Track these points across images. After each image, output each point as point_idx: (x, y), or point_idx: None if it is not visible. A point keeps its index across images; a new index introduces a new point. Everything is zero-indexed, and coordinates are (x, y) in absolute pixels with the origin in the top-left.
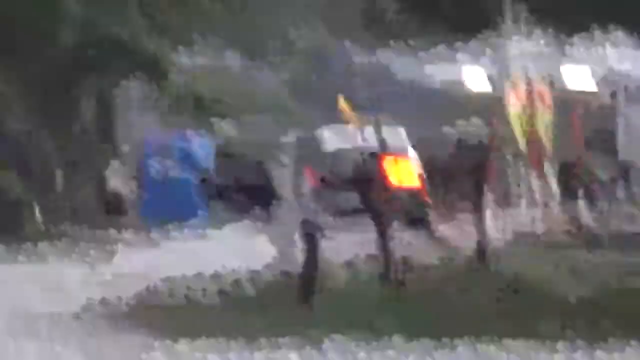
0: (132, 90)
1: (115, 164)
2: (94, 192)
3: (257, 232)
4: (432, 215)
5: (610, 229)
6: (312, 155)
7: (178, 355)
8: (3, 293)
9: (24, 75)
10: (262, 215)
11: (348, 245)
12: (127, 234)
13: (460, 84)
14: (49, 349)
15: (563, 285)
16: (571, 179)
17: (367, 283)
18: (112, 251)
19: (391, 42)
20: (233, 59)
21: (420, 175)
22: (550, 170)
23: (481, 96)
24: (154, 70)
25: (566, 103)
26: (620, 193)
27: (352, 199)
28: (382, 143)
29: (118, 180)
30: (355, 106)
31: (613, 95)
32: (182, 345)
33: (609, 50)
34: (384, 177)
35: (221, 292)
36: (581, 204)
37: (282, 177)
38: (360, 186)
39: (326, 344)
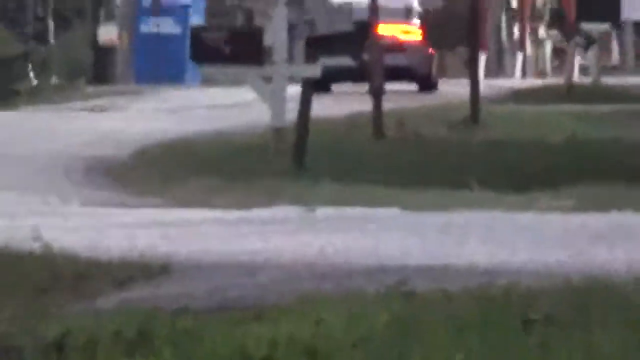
0: None
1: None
2: (86, 46)
3: (248, 89)
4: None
5: (595, 79)
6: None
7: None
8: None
9: None
10: (253, 72)
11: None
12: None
13: None
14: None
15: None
16: (563, 30)
17: (359, 137)
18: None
19: None
20: None
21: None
22: (544, 27)
23: None
24: None
25: None
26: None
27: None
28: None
29: (110, 35)
30: None
31: None
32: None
33: None
34: (377, 37)
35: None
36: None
37: (274, 36)
38: (354, 44)
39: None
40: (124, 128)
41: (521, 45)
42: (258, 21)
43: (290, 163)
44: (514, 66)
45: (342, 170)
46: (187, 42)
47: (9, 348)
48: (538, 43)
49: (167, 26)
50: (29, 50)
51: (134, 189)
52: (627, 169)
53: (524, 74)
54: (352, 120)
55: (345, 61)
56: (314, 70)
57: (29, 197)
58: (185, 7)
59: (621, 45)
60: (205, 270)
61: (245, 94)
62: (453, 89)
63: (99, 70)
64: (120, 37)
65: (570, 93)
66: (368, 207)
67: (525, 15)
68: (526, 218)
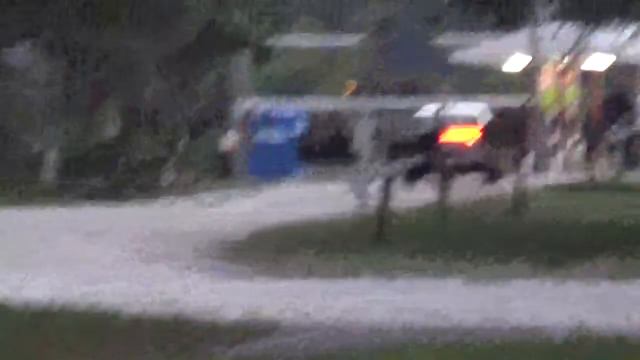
0: (240, 71)
1: (231, 132)
2: (211, 153)
3: (340, 183)
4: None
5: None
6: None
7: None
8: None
9: (162, 50)
10: (345, 170)
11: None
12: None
13: (504, 64)
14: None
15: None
16: (594, 138)
17: (430, 223)
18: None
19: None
20: (323, 40)
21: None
22: (577, 133)
23: (522, 75)
24: (258, 53)
25: (590, 79)
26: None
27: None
28: (439, 118)
29: (231, 142)
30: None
31: (630, 73)
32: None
33: (626, 38)
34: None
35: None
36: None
37: (362, 142)
38: (425, 148)
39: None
40: (244, 214)
41: (559, 149)
42: (350, 130)
43: (373, 240)
44: (556, 164)
45: (416, 245)
46: (293, 148)
47: None
48: (573, 146)
49: (277, 134)
50: (171, 153)
51: (251, 262)
52: None
53: (562, 171)
54: (423, 209)
55: (420, 161)
56: (393, 169)
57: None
58: (292, 120)
59: None
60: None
61: (339, 187)
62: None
63: (224, 170)
64: (239, 143)
65: (602, 187)
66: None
67: (562, 125)
68: None
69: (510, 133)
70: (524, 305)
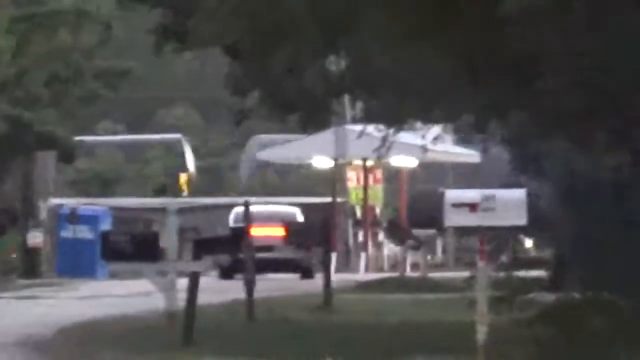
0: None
1: (36, 230)
2: (18, 248)
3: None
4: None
5: (425, 274)
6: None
7: None
8: None
9: None
10: (150, 267)
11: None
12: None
13: (310, 163)
14: None
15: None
16: (397, 235)
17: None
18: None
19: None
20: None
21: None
22: (381, 231)
23: (327, 174)
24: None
25: (395, 177)
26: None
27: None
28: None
29: (37, 239)
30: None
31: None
32: None
33: (430, 137)
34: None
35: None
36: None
37: (168, 239)
38: (233, 245)
39: None
40: (48, 312)
41: (364, 247)
42: (155, 227)
43: (181, 340)
44: (358, 263)
45: (222, 346)
46: (98, 245)
47: None
48: (378, 245)
49: (82, 232)
50: None
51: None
52: (449, 345)
53: (366, 269)
54: (230, 306)
55: (224, 258)
56: (199, 266)
57: None
58: (96, 217)
59: (444, 246)
60: None
61: (145, 286)
62: (314, 281)
63: (28, 267)
64: (44, 240)
65: (403, 285)
66: None
67: (368, 223)
68: None
69: (315, 231)
70: None
